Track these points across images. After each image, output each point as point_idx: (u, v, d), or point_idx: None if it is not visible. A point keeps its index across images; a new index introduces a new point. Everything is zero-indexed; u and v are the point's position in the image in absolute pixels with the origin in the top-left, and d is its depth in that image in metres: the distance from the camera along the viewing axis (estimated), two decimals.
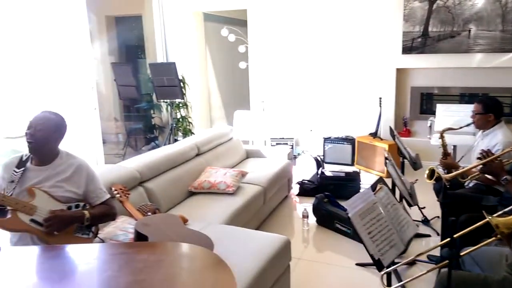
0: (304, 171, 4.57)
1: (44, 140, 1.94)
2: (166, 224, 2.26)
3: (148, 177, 2.96)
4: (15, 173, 1.96)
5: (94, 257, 1.36)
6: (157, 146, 6.26)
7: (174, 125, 5.75)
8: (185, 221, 2.62)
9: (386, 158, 2.92)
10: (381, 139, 4.93)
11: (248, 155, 4.36)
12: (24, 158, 2.02)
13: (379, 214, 2.10)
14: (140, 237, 1.93)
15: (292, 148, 5.29)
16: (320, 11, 5.45)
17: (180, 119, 5.97)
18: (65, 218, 1.92)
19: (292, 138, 5.64)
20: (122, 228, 2.34)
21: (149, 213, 2.49)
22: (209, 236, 2.11)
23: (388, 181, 2.97)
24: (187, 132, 5.99)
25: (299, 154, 5.39)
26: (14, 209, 1.85)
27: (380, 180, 3.12)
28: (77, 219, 1.96)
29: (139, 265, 1.26)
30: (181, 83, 5.61)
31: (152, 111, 6.45)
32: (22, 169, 1.97)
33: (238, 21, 6.14)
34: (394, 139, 3.54)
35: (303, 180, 4.31)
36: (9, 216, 1.85)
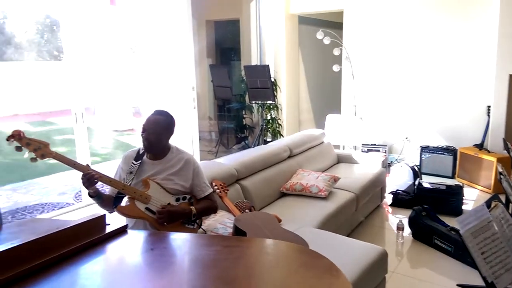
0: (399, 180, 4.33)
1: (157, 140, 2.12)
2: (263, 222, 2.31)
3: (244, 175, 3.06)
4: (133, 165, 2.16)
5: (208, 247, 1.44)
6: (247, 145, 6.46)
7: (264, 126, 5.88)
8: (278, 221, 2.66)
9: (500, 173, 2.65)
10: (489, 152, 4.48)
11: (339, 160, 4.28)
12: (140, 152, 2.22)
13: (494, 233, 1.91)
14: (238, 232, 2.01)
15: (385, 155, 5.07)
16: (420, 12, 5.14)
17: (270, 121, 6.08)
18: (175, 213, 2.07)
19: (385, 145, 5.41)
20: (221, 222, 2.46)
21: (247, 210, 2.58)
22: (303, 239, 2.11)
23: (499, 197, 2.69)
24: (276, 134, 6.09)
25: (393, 163, 5.14)
26: (132, 198, 2.04)
27: (495, 197, 2.83)
28: (186, 215, 2.10)
29: (251, 259, 1.31)
30: (273, 85, 5.72)
31: (243, 112, 6.66)
32: (139, 162, 2.16)
33: (333, 24, 6.07)
34: (508, 152, 3.19)
35: (397, 190, 4.10)
36: (128, 203, 2.06)
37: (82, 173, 1.94)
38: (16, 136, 1.81)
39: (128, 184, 2.08)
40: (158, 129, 2.11)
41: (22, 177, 5.82)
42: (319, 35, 5.27)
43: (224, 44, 7.72)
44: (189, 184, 2.19)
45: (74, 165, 1.94)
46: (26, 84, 9.66)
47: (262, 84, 5.47)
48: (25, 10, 10.60)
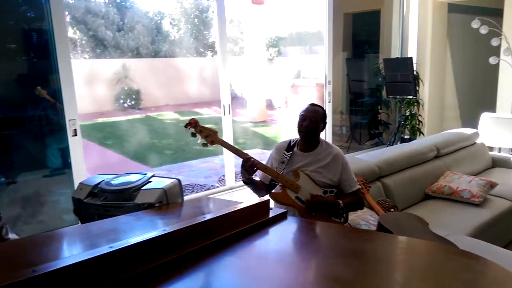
0: None
1: (315, 129, 2.22)
2: (411, 224, 2.23)
3: (386, 173, 2.98)
4: (285, 155, 2.30)
5: (363, 241, 1.46)
6: (381, 142, 6.22)
7: (402, 122, 5.57)
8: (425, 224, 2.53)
9: None
10: None
11: (494, 163, 3.82)
12: (291, 143, 2.35)
13: None
14: (383, 231, 1.98)
15: None
16: None
17: (409, 117, 5.73)
18: (324, 203, 2.14)
19: None
20: (364, 218, 2.45)
21: (392, 209, 2.52)
22: (456, 246, 1.97)
23: None
24: (415, 131, 5.72)
25: None
26: (284, 186, 2.18)
27: None
28: (333, 207, 2.15)
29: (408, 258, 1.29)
30: (415, 79, 5.37)
31: (379, 107, 6.41)
32: (290, 152, 2.29)
33: (491, 11, 5.37)
34: None
35: None
36: (280, 191, 2.21)
37: (242, 160, 2.14)
38: (193, 123, 2.09)
39: (280, 173, 2.22)
40: (318, 118, 2.21)
41: (173, 160, 6.66)
42: (475, 24, 4.74)
43: (359, 37, 7.53)
44: (337, 179, 2.23)
45: (236, 152, 2.15)
46: (176, 78, 10.98)
47: (403, 77, 5.18)
48: (179, 11, 11.99)
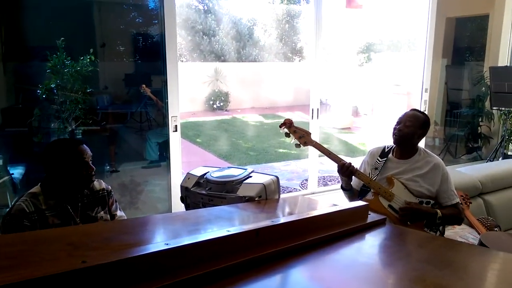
0: None
1: (410, 134, 2.13)
2: None
3: (489, 190, 2.76)
4: (379, 161, 2.25)
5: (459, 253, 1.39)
6: (479, 157, 5.73)
7: (507, 137, 5.07)
8: None
9: None
10: None
11: None
12: (386, 150, 2.29)
13: None
14: None
15: None
16: None
17: None
18: (419, 212, 2.05)
19: None
20: (462, 235, 2.31)
21: (495, 229, 2.33)
22: None
23: None
24: None
25: None
26: (376, 193, 2.13)
27: None
28: (430, 216, 2.05)
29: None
30: None
31: (480, 118, 5.91)
32: (385, 159, 2.24)
33: None
34: None
35: None
36: (372, 197, 2.17)
37: (338, 165, 2.13)
38: (287, 124, 2.15)
39: (373, 179, 2.18)
40: (415, 123, 2.13)
41: (257, 160, 6.85)
42: None
43: (460, 43, 7.00)
44: (436, 189, 2.13)
45: (330, 155, 2.15)
46: (263, 82, 11.27)
47: (511, 88, 4.73)
48: (270, 17, 12.29)
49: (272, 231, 1.10)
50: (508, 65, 5.34)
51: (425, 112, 4.79)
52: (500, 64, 5.48)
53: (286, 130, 2.16)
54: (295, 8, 12.41)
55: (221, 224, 1.30)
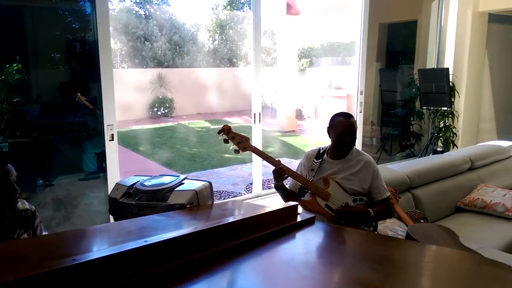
0: None
1: (355, 141, 2.25)
2: (440, 235, 2.20)
3: (417, 184, 2.94)
4: (315, 163, 2.32)
5: (383, 246, 1.47)
6: (412, 154, 6.10)
7: (435, 134, 5.45)
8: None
9: None
10: None
11: None
12: (321, 151, 2.37)
13: None
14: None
15: None
16: None
17: (443, 129, 5.60)
18: (354, 212, 2.14)
19: None
20: (392, 229, 2.44)
21: (421, 221, 2.48)
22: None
23: None
24: (448, 143, 5.58)
25: None
26: (313, 193, 2.19)
27: None
28: (364, 216, 2.15)
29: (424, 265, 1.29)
30: (451, 91, 5.25)
31: (411, 118, 6.31)
32: (320, 160, 2.31)
33: None
34: None
35: None
36: (310, 198, 2.22)
37: (274, 167, 2.17)
38: (225, 130, 2.14)
39: (310, 181, 2.24)
40: (356, 130, 2.25)
41: (202, 167, 6.79)
42: None
43: (393, 47, 7.45)
44: (368, 186, 2.22)
45: (268, 158, 2.18)
46: (208, 87, 11.23)
47: (438, 89, 5.09)
48: (215, 23, 12.30)
49: (194, 237, 1.09)
50: (435, 67, 5.75)
51: (360, 112, 5.10)
52: (428, 67, 5.89)
53: (224, 136, 2.15)
54: (239, 13, 12.52)
55: (144, 234, 1.27)
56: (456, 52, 5.64)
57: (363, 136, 6.72)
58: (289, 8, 7.71)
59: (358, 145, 5.19)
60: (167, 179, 1.69)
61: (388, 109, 6.68)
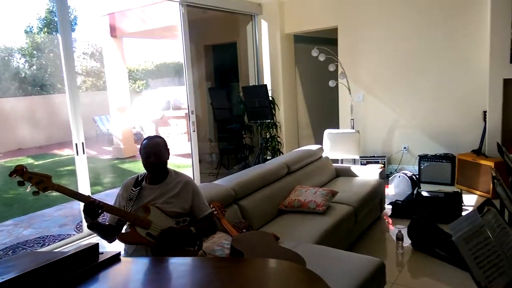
0: (398, 191, 4.37)
1: (163, 161, 2.22)
2: (260, 241, 2.36)
3: (242, 195, 3.11)
4: (133, 192, 2.23)
5: (201, 269, 1.49)
6: (247, 165, 6.53)
7: (264, 144, 5.96)
8: (276, 239, 2.70)
9: (494, 177, 2.69)
10: (486, 157, 4.51)
11: (338, 173, 4.33)
12: (139, 178, 2.29)
13: (487, 238, 1.94)
14: (235, 253, 2.05)
15: (384, 166, 5.11)
16: (412, 22, 5.26)
17: (270, 139, 6.16)
18: (174, 233, 2.11)
19: (384, 157, 5.45)
20: (219, 243, 2.50)
21: (244, 230, 2.62)
22: (300, 255, 2.15)
23: (496, 203, 2.72)
24: (276, 151, 6.16)
25: (391, 173, 5.18)
26: (133, 224, 2.09)
27: (488, 202, 2.86)
28: (185, 235, 2.13)
29: (241, 281, 1.35)
30: (271, 104, 5.83)
31: (243, 132, 6.76)
32: (138, 188, 2.23)
33: (328, 40, 6.20)
34: (502, 156, 3.23)
35: (396, 200, 4.13)
36: (128, 230, 2.11)
37: (84, 204, 1.99)
38: (19, 171, 1.88)
39: (129, 211, 2.14)
40: (162, 150, 2.20)
41: (23, 211, 5.87)
42: (314, 52, 5.40)
43: (223, 67, 7.90)
44: (189, 205, 2.23)
45: (76, 195, 2.00)
46: (29, 118, 9.87)
47: (261, 103, 5.58)
48: (31, 46, 10.92)
49: None
50: (256, 84, 6.30)
51: (194, 131, 5.20)
52: (251, 84, 6.42)
53: (19, 178, 1.88)
54: (58, 37, 11.44)
55: None
56: (272, 69, 6.30)
57: (202, 154, 6.89)
58: (112, 31, 7.41)
59: (196, 163, 5.28)
60: None
61: (224, 125, 7.02)
